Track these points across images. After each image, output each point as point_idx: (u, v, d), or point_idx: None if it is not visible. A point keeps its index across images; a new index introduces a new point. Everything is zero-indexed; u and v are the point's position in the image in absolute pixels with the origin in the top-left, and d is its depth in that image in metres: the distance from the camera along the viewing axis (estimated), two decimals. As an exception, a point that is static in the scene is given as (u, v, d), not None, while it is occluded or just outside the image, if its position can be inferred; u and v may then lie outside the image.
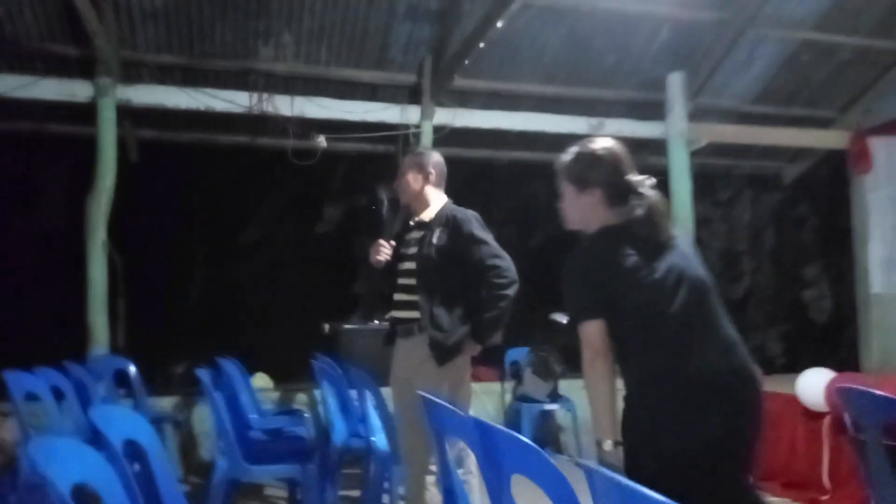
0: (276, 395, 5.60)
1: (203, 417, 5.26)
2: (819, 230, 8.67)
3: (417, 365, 3.00)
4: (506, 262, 2.97)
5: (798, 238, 8.85)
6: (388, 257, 3.12)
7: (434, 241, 3.02)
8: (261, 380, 5.62)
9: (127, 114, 5.81)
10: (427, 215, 3.14)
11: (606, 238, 2.09)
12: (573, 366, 6.14)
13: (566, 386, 5.81)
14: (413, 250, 3.10)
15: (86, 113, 5.49)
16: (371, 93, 6.21)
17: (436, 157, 3.22)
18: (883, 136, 6.63)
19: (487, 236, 3.02)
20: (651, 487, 1.11)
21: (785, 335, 9.25)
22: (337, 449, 3.80)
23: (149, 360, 5.43)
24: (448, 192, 3.23)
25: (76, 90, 5.38)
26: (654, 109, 6.60)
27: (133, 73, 5.61)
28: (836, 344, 8.54)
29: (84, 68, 5.40)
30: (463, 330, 2.97)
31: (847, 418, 2.83)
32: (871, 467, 2.29)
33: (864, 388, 2.31)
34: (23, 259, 6.42)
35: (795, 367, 5.28)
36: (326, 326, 5.80)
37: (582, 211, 2.16)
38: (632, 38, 6.16)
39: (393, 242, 3.15)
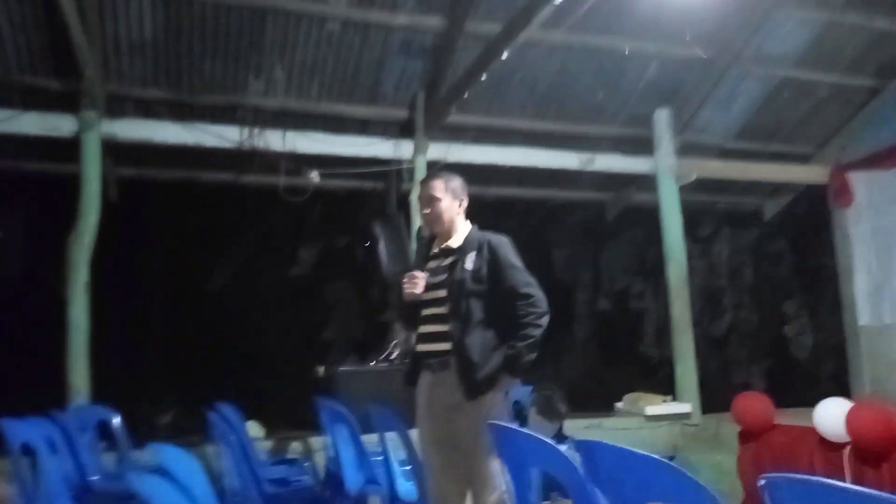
0: (268, 443, 5.29)
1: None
2: (798, 265, 8.81)
3: (454, 400, 2.81)
4: (538, 290, 2.83)
5: (778, 273, 8.96)
6: (423, 288, 2.94)
7: (468, 265, 2.87)
8: (253, 428, 5.30)
9: (108, 150, 5.58)
10: (455, 241, 2.99)
11: None
12: (579, 407, 6.01)
13: (571, 426, 5.66)
14: (442, 278, 2.94)
15: (67, 149, 5.24)
16: (362, 128, 6.12)
17: (462, 182, 3.09)
18: (862, 170, 6.79)
19: (520, 263, 2.89)
20: None
21: (768, 371, 9.28)
22: (352, 498, 3.55)
23: (131, 410, 5.08)
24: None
25: (59, 124, 5.15)
26: (641, 145, 6.66)
27: (118, 107, 5.41)
28: (818, 377, 8.60)
29: (67, 102, 5.18)
30: (495, 361, 2.80)
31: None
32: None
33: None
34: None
35: (780, 401, 5.23)
36: (321, 369, 5.55)
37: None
38: (621, 74, 6.24)
39: (425, 273, 2.98)
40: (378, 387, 5.35)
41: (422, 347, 2.95)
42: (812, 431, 4.54)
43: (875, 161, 6.56)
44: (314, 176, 5.77)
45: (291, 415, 5.97)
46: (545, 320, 2.79)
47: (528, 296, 2.80)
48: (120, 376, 5.69)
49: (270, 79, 5.59)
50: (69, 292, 4.95)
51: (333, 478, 4.09)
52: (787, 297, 9.01)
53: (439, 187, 3.02)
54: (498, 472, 2.77)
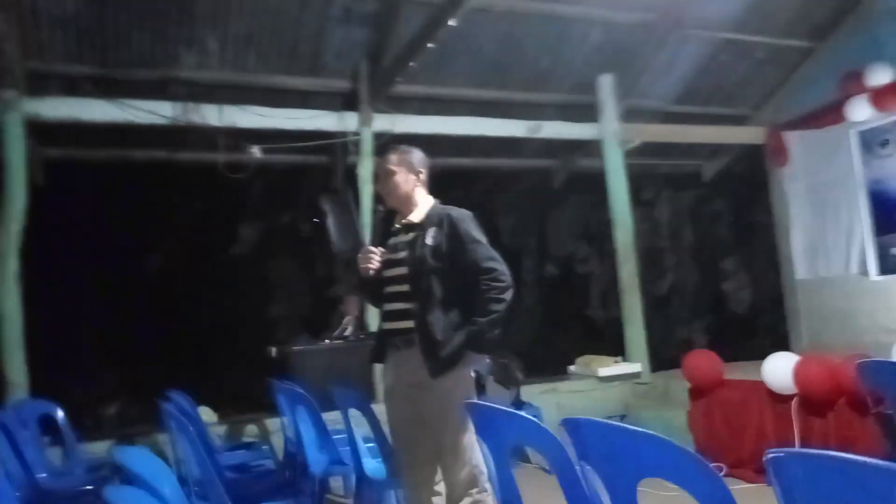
0: (222, 429, 5.16)
1: (144, 460, 4.76)
2: (736, 224, 9.07)
3: (418, 377, 2.77)
4: (501, 265, 2.79)
5: (716, 233, 9.22)
6: (379, 265, 2.87)
7: (428, 241, 2.81)
8: (205, 413, 5.16)
9: (32, 131, 5.24)
10: (416, 216, 2.92)
11: None
12: (532, 372, 6.07)
13: (527, 392, 5.72)
14: (403, 254, 2.87)
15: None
16: (302, 100, 5.93)
17: (421, 155, 3.01)
18: (797, 130, 6.97)
19: (482, 237, 2.84)
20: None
21: (709, 328, 9.58)
22: (316, 480, 3.49)
23: (74, 402, 4.87)
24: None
25: (-26, 105, 4.79)
26: (586, 111, 6.68)
27: (40, 85, 5.07)
28: (758, 331, 8.93)
29: (-18, 81, 4.82)
30: (459, 339, 2.76)
31: (869, 392, 2.82)
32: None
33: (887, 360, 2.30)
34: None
35: (723, 356, 5.41)
36: (273, 349, 5.42)
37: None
38: (565, 41, 6.21)
39: (381, 249, 2.90)
40: (333, 364, 5.27)
41: (386, 325, 2.89)
42: (760, 385, 4.71)
43: (809, 120, 6.75)
44: (255, 151, 5.57)
45: (243, 398, 5.85)
46: (508, 294, 2.75)
47: (491, 269, 2.75)
48: (59, 368, 5.43)
49: (203, 51, 5.33)
50: (-2, 283, 4.67)
51: (295, 460, 4.02)
52: (725, 255, 9.29)
53: (393, 161, 2.94)
54: (468, 448, 2.76)
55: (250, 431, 5.16)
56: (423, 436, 2.85)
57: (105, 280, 6.39)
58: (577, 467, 1.52)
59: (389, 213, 3.00)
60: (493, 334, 2.74)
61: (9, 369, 4.63)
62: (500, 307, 2.72)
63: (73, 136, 5.74)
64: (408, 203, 2.93)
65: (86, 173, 6.07)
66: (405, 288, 2.83)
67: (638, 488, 1.38)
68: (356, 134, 5.81)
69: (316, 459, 3.57)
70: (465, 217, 2.85)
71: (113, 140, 5.82)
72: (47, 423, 4.44)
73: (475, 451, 2.78)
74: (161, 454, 4.85)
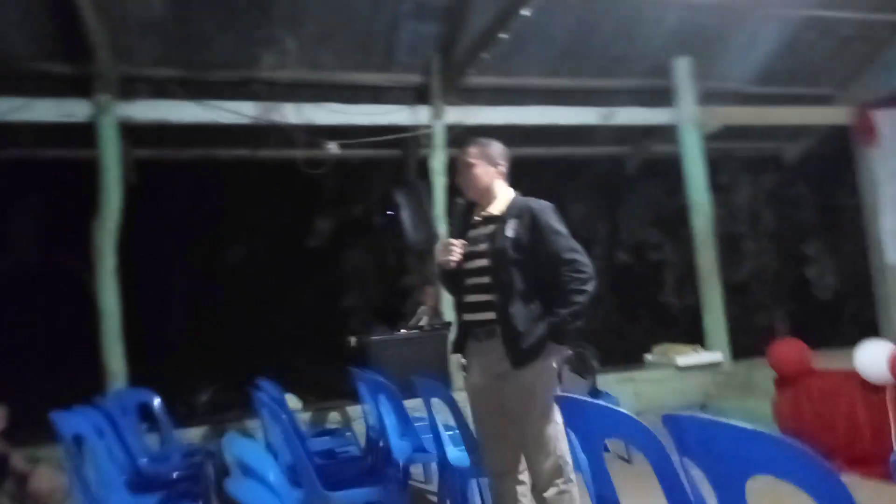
0: (306, 415, 5.35)
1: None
2: (819, 207, 8.71)
3: (501, 369, 2.80)
4: (583, 256, 2.79)
5: (798, 217, 8.87)
6: (460, 257, 2.91)
7: (509, 233, 2.83)
8: (290, 401, 5.35)
9: (124, 133, 5.52)
10: (496, 208, 2.94)
11: None
12: (606, 361, 6.04)
13: (603, 381, 5.69)
14: (484, 246, 2.90)
15: (83, 134, 5.19)
16: (376, 96, 6.03)
17: (500, 147, 3.03)
18: (887, 108, 6.65)
19: (564, 228, 2.84)
20: None
21: (789, 314, 9.26)
22: (400, 466, 3.58)
23: (167, 391, 5.13)
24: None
25: (74, 110, 5.09)
26: (661, 96, 6.54)
27: (130, 88, 5.33)
28: (842, 318, 8.58)
29: (80, 86, 5.11)
30: (540, 330, 2.77)
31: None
32: None
33: None
34: (22, 293, 6.05)
35: (807, 344, 5.23)
36: (353, 339, 5.56)
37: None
38: (638, 24, 6.09)
39: (463, 241, 2.94)
40: (410, 354, 5.38)
41: (468, 317, 2.93)
42: (852, 375, 4.54)
43: (900, 98, 6.43)
44: (332, 147, 5.70)
45: (324, 386, 6.03)
46: (591, 286, 2.75)
47: (572, 261, 2.75)
48: (152, 358, 5.73)
49: (282, 51, 5.48)
50: (98, 279, 4.95)
51: (379, 447, 4.13)
52: (808, 239, 8.93)
53: (473, 153, 2.97)
54: (553, 438, 2.78)
55: (333, 418, 5.32)
56: (506, 426, 2.89)
57: (193, 274, 6.69)
58: (678, 462, 1.53)
59: (469, 206, 3.04)
60: (574, 326, 2.75)
61: (109, 360, 4.91)
62: (582, 298, 2.72)
63: (161, 137, 6.02)
64: (487, 195, 2.96)
65: (174, 172, 6.35)
66: (486, 280, 2.86)
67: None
68: (428, 127, 5.87)
69: (399, 446, 3.66)
70: (545, 208, 2.86)
71: (199, 140, 6.07)
72: (144, 411, 4.71)
73: (560, 442, 2.80)
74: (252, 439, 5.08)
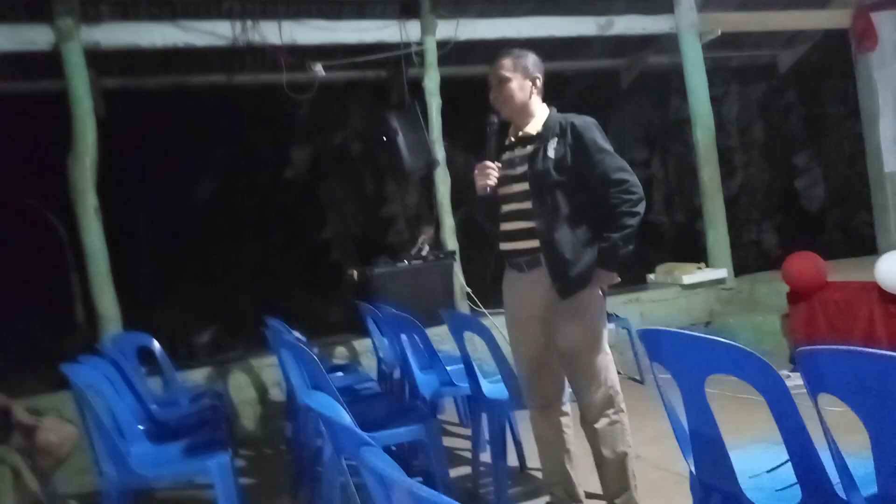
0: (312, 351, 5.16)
1: (240, 385, 4.83)
2: (813, 117, 8.57)
3: (547, 299, 2.63)
4: (633, 175, 2.58)
5: (792, 127, 8.74)
6: (496, 181, 2.68)
7: (550, 153, 2.60)
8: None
9: (90, 61, 5.05)
10: (534, 128, 2.70)
11: None
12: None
13: (610, 303, 5.58)
14: (522, 169, 2.67)
15: (44, 64, 4.73)
16: (360, 10, 5.59)
17: (536, 59, 2.76)
18: (887, 10, 6.41)
19: (609, 146, 2.62)
20: None
21: (778, 227, 9.26)
22: (428, 401, 3.45)
23: (160, 334, 4.89)
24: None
25: (34, 37, 4.62)
26: (659, 3, 6.21)
27: (94, 11, 4.84)
28: (836, 228, 8.60)
29: (38, 11, 4.61)
30: (589, 256, 2.59)
31: None
32: None
33: None
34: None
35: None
36: (353, 272, 5.35)
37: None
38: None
39: (498, 164, 2.70)
40: (414, 285, 5.20)
41: (506, 246, 2.73)
42: (869, 286, 4.49)
43: (903, -2, 6.19)
44: (318, 69, 5.30)
45: (325, 321, 5.85)
46: (641, 207, 2.56)
47: (622, 181, 2.55)
48: (142, 299, 5.47)
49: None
50: (79, 219, 4.62)
51: (398, 382, 3.99)
52: (801, 150, 8.83)
53: (507, 66, 2.70)
54: (604, 368, 2.65)
55: (340, 353, 5.16)
56: (551, 358, 2.74)
57: (171, 208, 6.33)
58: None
59: (503, 126, 2.78)
60: (626, 251, 2.57)
61: (100, 304, 4.65)
62: (633, 221, 2.54)
63: (129, 65, 5.55)
64: (524, 113, 2.71)
65: (145, 103, 5.91)
66: (527, 205, 2.64)
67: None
68: (419, 44, 5.49)
69: (424, 381, 3.52)
70: (589, 125, 2.62)
71: (170, 66, 5.62)
72: (142, 355, 4.49)
73: (610, 371, 2.67)
74: (258, 380, 4.92)
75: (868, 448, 1.46)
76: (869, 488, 1.56)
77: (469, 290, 5.39)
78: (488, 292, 5.58)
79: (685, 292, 6.03)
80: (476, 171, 2.71)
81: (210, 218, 6.86)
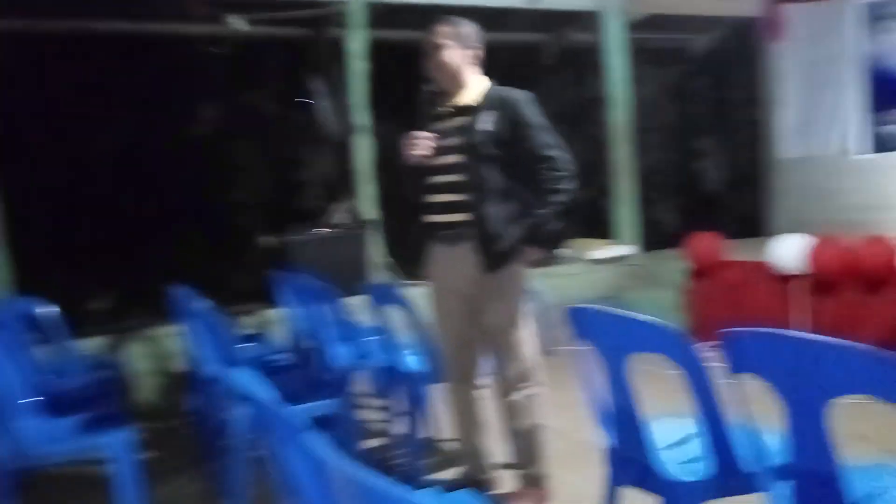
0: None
1: (140, 355, 4.61)
2: (718, 101, 8.93)
3: (472, 273, 2.62)
4: (564, 153, 2.61)
5: (697, 111, 9.07)
6: (429, 151, 2.63)
7: (486, 126, 2.57)
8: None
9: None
10: (467, 98, 2.67)
11: None
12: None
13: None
14: (455, 140, 2.63)
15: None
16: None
17: (475, 29, 2.72)
18: (797, 2, 6.71)
19: (544, 121, 2.62)
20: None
21: (678, 206, 9.65)
22: (342, 375, 3.39)
23: (55, 298, 4.58)
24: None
25: None
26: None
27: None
28: (733, 210, 9.05)
29: None
30: (515, 232, 2.60)
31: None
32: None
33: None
34: None
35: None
36: (265, 239, 5.18)
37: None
38: None
39: (430, 134, 2.65)
40: (328, 254, 5.09)
41: (434, 218, 2.70)
42: (762, 266, 4.77)
43: (812, -8, 6.49)
44: (236, 22, 5.03)
45: (234, 288, 5.65)
46: (571, 184, 2.59)
47: (551, 158, 2.57)
48: (34, 262, 5.08)
49: None
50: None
51: (312, 354, 3.91)
52: (704, 133, 9.20)
53: (444, 33, 2.65)
54: (523, 343, 2.68)
55: (249, 323, 5.00)
56: (473, 332, 2.76)
57: (71, 166, 5.88)
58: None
59: (435, 95, 2.73)
60: (554, 228, 2.60)
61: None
62: (561, 198, 2.57)
63: (24, 6, 5.07)
64: (459, 83, 2.67)
65: (41, 49, 5.43)
66: (457, 178, 2.62)
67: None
68: (344, 2, 5.30)
69: (340, 353, 3.46)
70: (527, 100, 2.62)
71: (70, 7, 5.18)
72: (32, 322, 4.19)
73: (530, 346, 2.71)
74: (158, 350, 4.70)
75: (779, 423, 1.55)
76: (776, 460, 1.67)
77: (389, 260, 5.33)
78: (408, 264, 5.55)
79: (594, 267, 6.21)
80: (407, 141, 2.66)
81: (110, 177, 6.43)
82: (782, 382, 1.41)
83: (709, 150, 9.26)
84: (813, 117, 6.75)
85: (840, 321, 4.21)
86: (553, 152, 2.57)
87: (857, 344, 1.26)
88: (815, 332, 4.18)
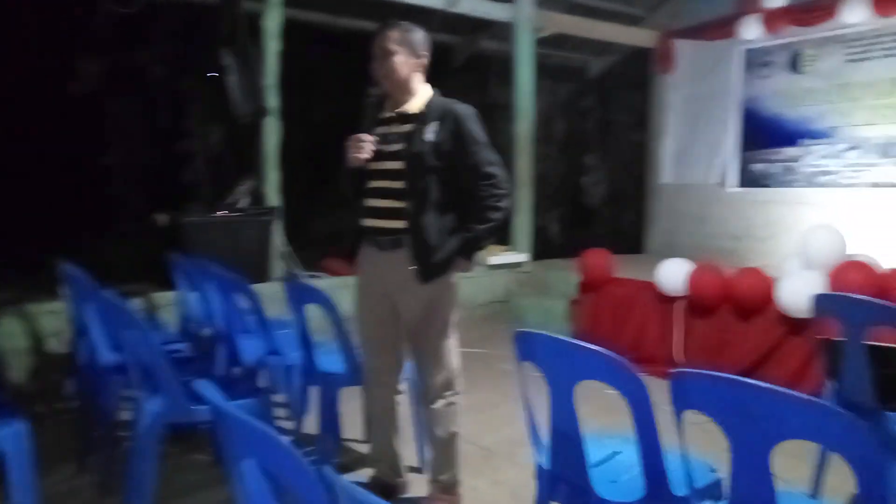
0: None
1: (10, 333, 4.23)
2: (607, 123, 9.41)
3: (404, 281, 2.64)
4: (502, 171, 2.68)
5: (587, 129, 9.52)
6: (371, 155, 2.62)
7: (429, 136, 2.59)
8: (82, 283, 4.59)
9: None
10: (414, 107, 2.67)
11: None
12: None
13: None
14: (397, 147, 2.63)
15: None
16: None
17: (424, 36, 2.72)
18: (687, 39, 7.21)
19: (485, 138, 2.68)
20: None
21: (561, 217, 10.10)
22: (251, 372, 3.29)
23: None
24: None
25: None
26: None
27: None
28: (609, 227, 9.59)
29: None
30: (452, 244, 2.65)
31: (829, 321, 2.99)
32: (846, 363, 2.59)
33: (857, 297, 2.58)
34: None
35: (572, 249, 5.84)
36: (161, 217, 4.90)
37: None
38: None
39: (373, 137, 2.64)
40: (231, 238, 4.90)
41: (370, 223, 2.68)
42: (647, 285, 5.12)
43: (701, 31, 6.98)
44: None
45: (116, 265, 5.28)
46: (507, 202, 2.66)
47: (492, 175, 2.63)
48: None
49: None
50: None
51: (216, 345, 3.74)
52: (590, 152, 9.67)
53: (394, 38, 2.63)
54: (448, 353, 2.73)
55: (133, 306, 4.70)
56: (396, 338, 2.77)
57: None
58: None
59: (381, 98, 2.71)
60: (486, 243, 2.67)
61: None
62: (497, 215, 2.63)
63: None
64: (405, 90, 2.66)
65: None
66: (398, 185, 2.62)
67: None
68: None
69: (248, 347, 3.35)
70: (470, 115, 2.66)
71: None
72: None
73: (454, 356, 2.77)
74: (32, 328, 4.32)
75: (715, 455, 1.70)
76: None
77: (288, 249, 5.20)
78: (307, 256, 5.44)
79: (490, 272, 6.39)
80: (350, 143, 2.63)
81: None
82: (725, 422, 1.55)
83: (594, 166, 9.75)
84: (691, 148, 7.31)
85: (711, 344, 4.61)
86: (494, 170, 2.63)
87: (797, 393, 1.41)
88: (687, 352, 4.53)
